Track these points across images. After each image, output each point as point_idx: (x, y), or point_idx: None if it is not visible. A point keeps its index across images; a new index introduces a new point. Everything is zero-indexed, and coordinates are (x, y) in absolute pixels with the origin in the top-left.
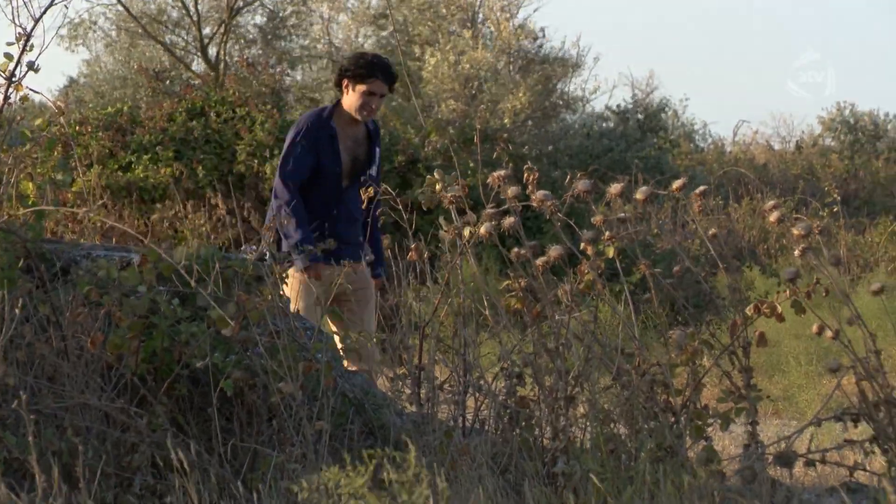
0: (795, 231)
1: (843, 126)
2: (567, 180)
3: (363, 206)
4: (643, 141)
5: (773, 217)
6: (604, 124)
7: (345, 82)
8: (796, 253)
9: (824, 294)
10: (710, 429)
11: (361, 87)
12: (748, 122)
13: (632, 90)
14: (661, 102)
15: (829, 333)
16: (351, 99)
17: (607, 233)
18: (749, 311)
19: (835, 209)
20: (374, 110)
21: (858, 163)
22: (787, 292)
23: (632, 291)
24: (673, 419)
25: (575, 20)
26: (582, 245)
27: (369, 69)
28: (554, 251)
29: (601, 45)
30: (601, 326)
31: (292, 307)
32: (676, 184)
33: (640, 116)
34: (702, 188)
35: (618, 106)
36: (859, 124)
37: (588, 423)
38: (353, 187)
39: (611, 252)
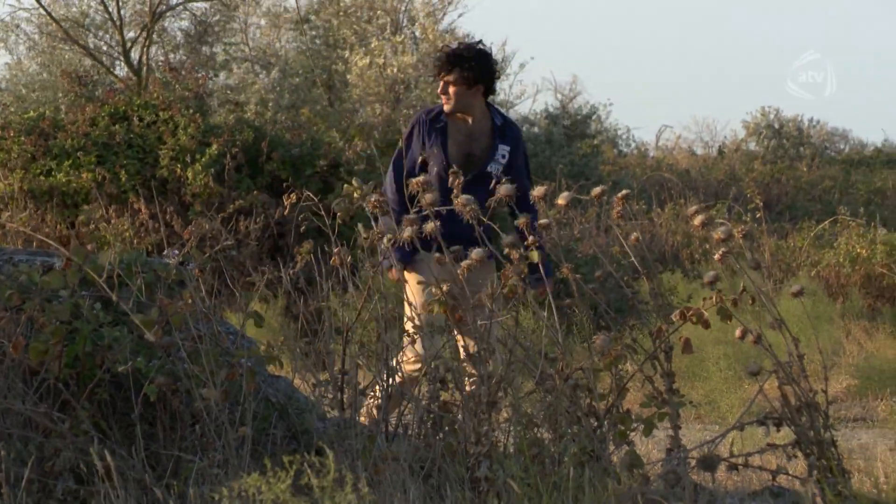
0: (716, 234)
1: (767, 131)
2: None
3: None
4: (569, 146)
5: (697, 221)
6: (530, 129)
7: (434, 76)
8: (716, 257)
9: (751, 302)
10: (633, 433)
11: (440, 79)
12: (671, 128)
13: (555, 95)
14: (591, 109)
15: (751, 338)
16: (439, 90)
17: (530, 237)
18: (675, 317)
19: (758, 214)
20: (451, 98)
21: (781, 167)
22: (713, 298)
23: (555, 295)
24: (596, 424)
25: (500, 25)
26: (505, 249)
27: (436, 59)
28: (475, 254)
29: (526, 51)
30: (524, 331)
31: (415, 307)
32: (595, 191)
33: (566, 122)
34: (623, 192)
35: (546, 111)
36: (784, 130)
37: (511, 428)
38: (471, 184)
39: (535, 257)
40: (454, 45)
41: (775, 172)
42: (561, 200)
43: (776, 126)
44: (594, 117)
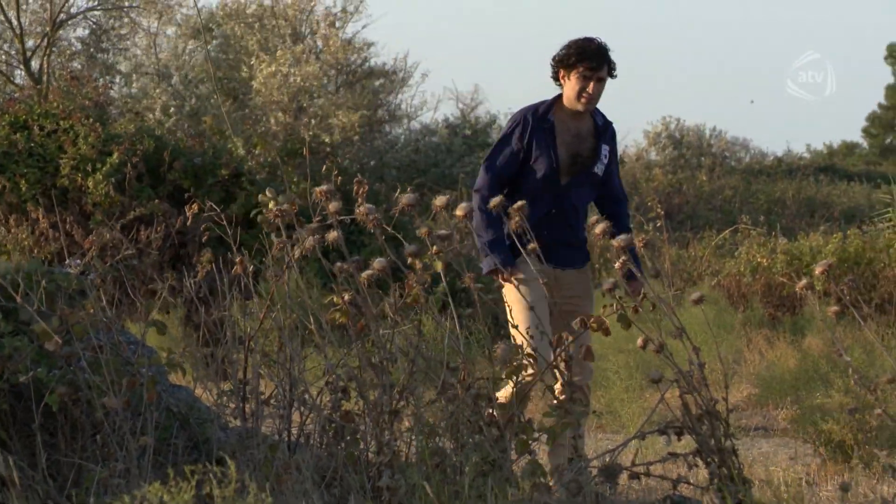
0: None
1: (668, 140)
2: (386, 193)
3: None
4: (470, 155)
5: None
6: (430, 138)
7: (560, 73)
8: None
9: (651, 309)
10: (534, 443)
11: (575, 73)
12: None
13: (457, 104)
14: (491, 118)
15: (653, 347)
16: (568, 88)
17: (434, 247)
18: (576, 324)
19: (659, 223)
20: (594, 96)
21: (682, 177)
22: (614, 306)
23: (455, 304)
24: (498, 433)
25: (403, 36)
26: (408, 259)
27: (579, 53)
28: (377, 264)
29: (428, 61)
30: (426, 340)
31: (515, 314)
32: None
33: (466, 131)
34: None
35: (446, 120)
36: (684, 139)
37: (413, 437)
38: (577, 186)
39: (439, 266)
40: (581, 38)
41: (676, 182)
42: (459, 211)
43: (677, 135)
44: (494, 125)
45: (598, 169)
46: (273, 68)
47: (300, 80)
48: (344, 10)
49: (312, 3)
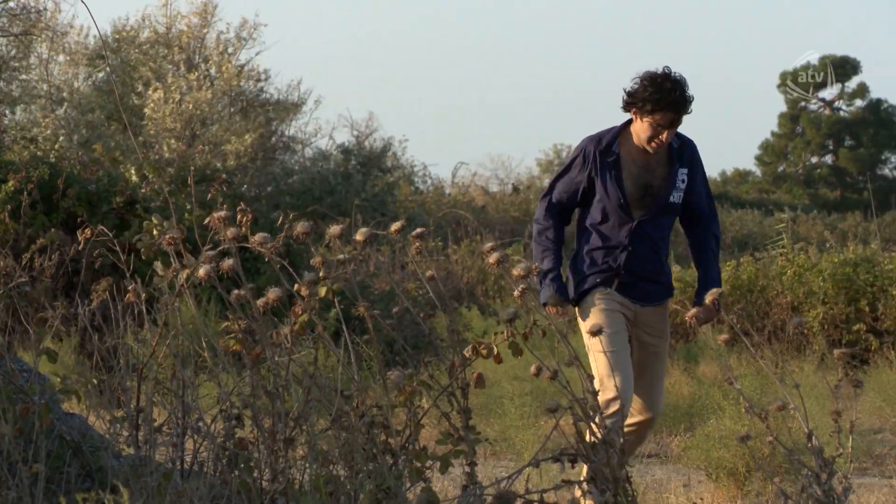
0: (515, 271)
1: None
2: (285, 222)
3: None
4: (364, 182)
5: (491, 259)
6: (325, 165)
7: (633, 109)
8: (516, 294)
9: (542, 335)
10: (429, 470)
11: (649, 119)
12: (467, 164)
13: (351, 131)
14: (386, 145)
15: (547, 374)
16: (639, 128)
17: (323, 273)
18: (467, 352)
19: None
20: (664, 144)
21: None
22: (505, 333)
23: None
24: (392, 460)
25: (296, 63)
26: (296, 287)
27: (656, 101)
28: (272, 293)
29: (322, 88)
30: (321, 368)
31: (587, 342)
32: (394, 226)
33: (360, 160)
34: (419, 230)
35: (342, 146)
36: None
37: (307, 465)
38: (653, 218)
39: (323, 291)
40: (660, 78)
41: None
42: (359, 237)
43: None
44: (390, 153)
45: (675, 197)
46: (164, 95)
47: (192, 107)
48: (238, 37)
49: (205, 31)
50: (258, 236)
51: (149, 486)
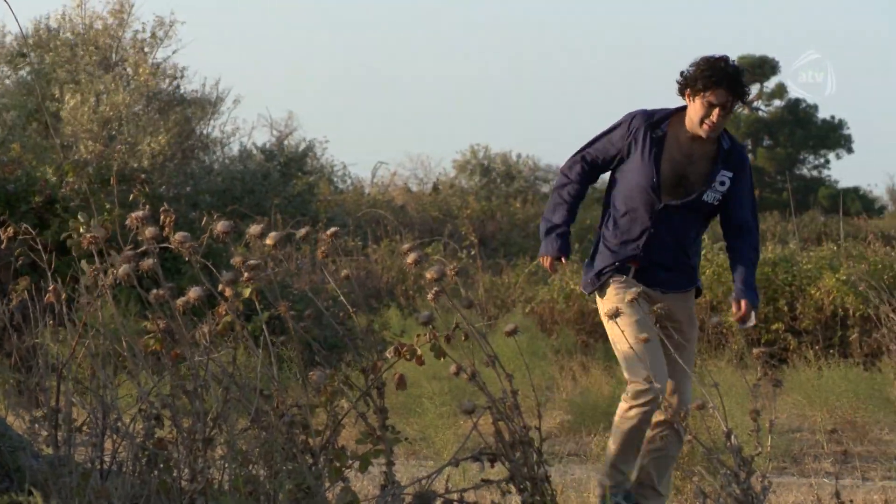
0: (428, 274)
1: (477, 168)
2: (205, 221)
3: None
4: (285, 183)
5: (410, 259)
6: (245, 165)
7: (687, 91)
8: (429, 297)
9: (463, 338)
10: (348, 470)
11: (700, 98)
12: (387, 164)
13: (271, 131)
14: (307, 146)
15: (465, 375)
16: (692, 110)
17: (246, 274)
18: (389, 353)
19: (472, 251)
20: (717, 124)
21: (496, 204)
22: (427, 335)
23: (269, 332)
24: (312, 460)
25: (214, 62)
26: (220, 287)
27: (707, 79)
28: (192, 293)
29: (242, 87)
30: (240, 368)
31: (610, 331)
32: (302, 231)
33: (281, 160)
34: (333, 230)
35: (262, 146)
36: (492, 166)
37: (227, 465)
38: (682, 209)
39: (247, 292)
40: (716, 58)
41: (490, 209)
42: (269, 240)
43: (485, 163)
44: (310, 153)
45: (710, 197)
46: (78, 97)
47: (108, 108)
48: (153, 36)
49: (121, 32)
50: (178, 236)
51: (68, 486)
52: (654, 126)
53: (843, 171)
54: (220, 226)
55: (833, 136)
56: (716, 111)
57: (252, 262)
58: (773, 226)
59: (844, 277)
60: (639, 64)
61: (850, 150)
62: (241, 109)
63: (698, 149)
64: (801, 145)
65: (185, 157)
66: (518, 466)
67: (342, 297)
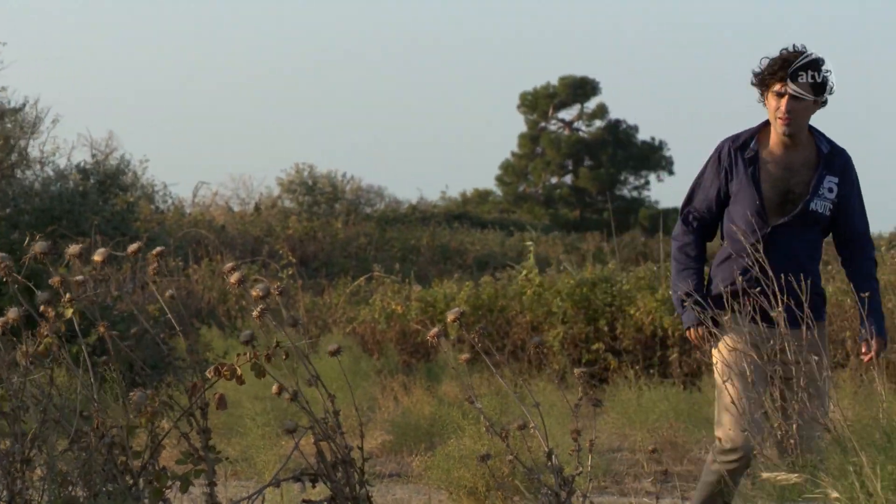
0: (254, 292)
1: (301, 188)
2: (26, 242)
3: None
4: (104, 202)
5: (233, 279)
6: (63, 185)
7: (761, 93)
8: (255, 315)
9: (284, 357)
10: (169, 490)
11: (769, 91)
12: (208, 184)
13: (91, 150)
14: (121, 164)
15: (287, 394)
16: (769, 111)
17: (67, 294)
18: (209, 373)
19: (290, 271)
20: (791, 117)
21: (317, 224)
22: (248, 354)
23: (90, 353)
24: (132, 481)
25: (35, 83)
26: (41, 308)
27: (771, 65)
28: (11, 313)
29: (62, 107)
30: (59, 388)
31: (721, 383)
32: (132, 247)
33: (99, 179)
34: (159, 249)
35: (79, 165)
36: (317, 186)
37: (46, 486)
38: (793, 226)
39: (69, 313)
40: (787, 50)
41: (311, 229)
42: (97, 257)
43: (310, 183)
44: (129, 172)
45: (818, 206)
46: None
47: None
48: None
49: None
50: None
51: None
52: (743, 147)
53: (663, 192)
54: (38, 246)
55: (653, 158)
56: (784, 100)
57: (78, 278)
58: (594, 246)
59: (663, 298)
60: (469, 81)
61: (670, 172)
62: (61, 129)
63: (796, 158)
64: (621, 166)
65: (5, 176)
66: (340, 486)
67: (168, 316)
